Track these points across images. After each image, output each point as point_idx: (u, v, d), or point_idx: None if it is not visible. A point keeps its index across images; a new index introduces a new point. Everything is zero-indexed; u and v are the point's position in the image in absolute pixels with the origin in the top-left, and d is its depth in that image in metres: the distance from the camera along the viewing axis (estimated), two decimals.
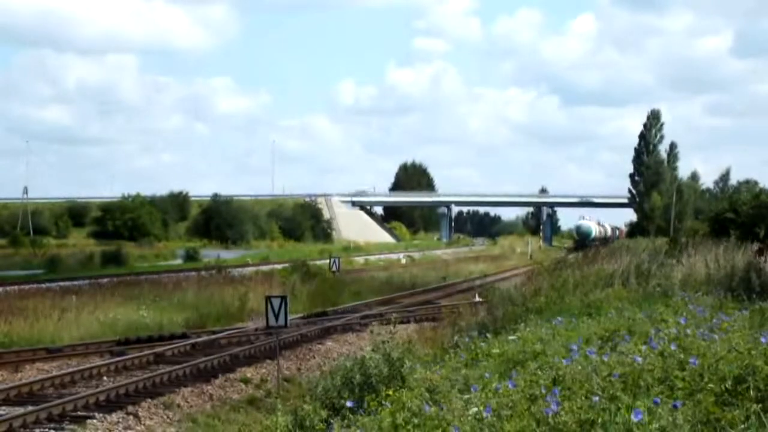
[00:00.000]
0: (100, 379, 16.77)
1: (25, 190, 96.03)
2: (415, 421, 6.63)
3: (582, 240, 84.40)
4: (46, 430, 13.02)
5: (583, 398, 6.15)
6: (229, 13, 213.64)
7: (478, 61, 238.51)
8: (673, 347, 7.37)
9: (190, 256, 59.64)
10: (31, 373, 17.57)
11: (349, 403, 7.75)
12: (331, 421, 9.26)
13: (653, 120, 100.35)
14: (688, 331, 8.27)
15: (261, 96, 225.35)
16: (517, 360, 9.12)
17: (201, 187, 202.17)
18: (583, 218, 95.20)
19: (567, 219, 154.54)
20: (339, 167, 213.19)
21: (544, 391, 6.54)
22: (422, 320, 25.54)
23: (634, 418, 5.53)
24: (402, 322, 24.29)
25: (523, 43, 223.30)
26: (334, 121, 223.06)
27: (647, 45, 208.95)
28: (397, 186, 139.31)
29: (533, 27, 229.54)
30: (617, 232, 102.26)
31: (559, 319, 12.02)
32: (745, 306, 12.11)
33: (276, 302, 16.27)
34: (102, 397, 14.64)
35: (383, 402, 7.66)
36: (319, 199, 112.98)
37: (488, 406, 6.35)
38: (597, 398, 6.09)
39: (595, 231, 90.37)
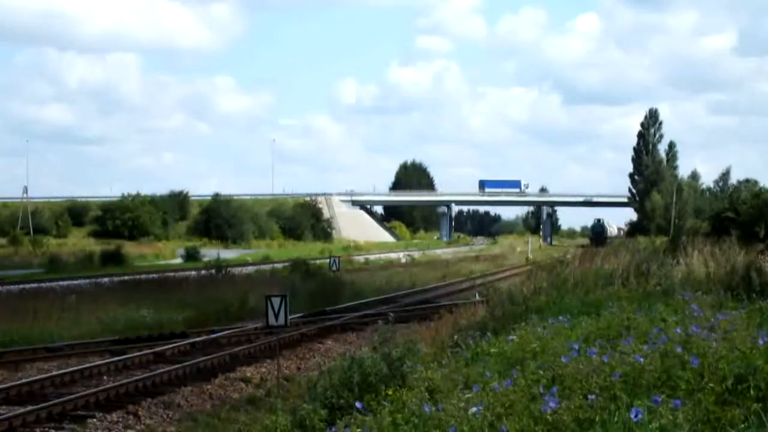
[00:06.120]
0: (100, 379, 16.76)
1: (25, 190, 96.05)
2: (415, 420, 6.61)
3: (596, 237, 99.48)
4: (46, 429, 13.01)
5: (581, 397, 6.13)
6: (231, 12, 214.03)
7: (481, 60, 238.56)
8: (676, 347, 7.36)
9: (190, 256, 59.65)
10: (31, 373, 17.54)
11: (358, 404, 7.73)
12: (334, 420, 9.26)
13: (651, 119, 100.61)
14: (693, 329, 8.25)
15: (262, 95, 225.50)
16: (517, 359, 9.11)
17: (202, 187, 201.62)
18: (597, 220, 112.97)
19: (567, 218, 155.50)
20: (340, 166, 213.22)
21: (543, 390, 6.52)
22: (422, 320, 25.50)
23: (633, 417, 5.52)
24: (402, 322, 24.28)
25: (527, 41, 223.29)
26: (336, 120, 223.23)
27: (650, 44, 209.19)
28: (397, 185, 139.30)
29: (537, 26, 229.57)
30: (621, 231, 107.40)
31: (560, 317, 12.00)
32: (744, 305, 12.09)
33: (276, 301, 16.22)
34: (102, 397, 14.64)
35: (383, 402, 7.64)
36: (319, 199, 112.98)
37: (480, 403, 6.33)
38: (595, 397, 6.07)
39: (606, 230, 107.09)
